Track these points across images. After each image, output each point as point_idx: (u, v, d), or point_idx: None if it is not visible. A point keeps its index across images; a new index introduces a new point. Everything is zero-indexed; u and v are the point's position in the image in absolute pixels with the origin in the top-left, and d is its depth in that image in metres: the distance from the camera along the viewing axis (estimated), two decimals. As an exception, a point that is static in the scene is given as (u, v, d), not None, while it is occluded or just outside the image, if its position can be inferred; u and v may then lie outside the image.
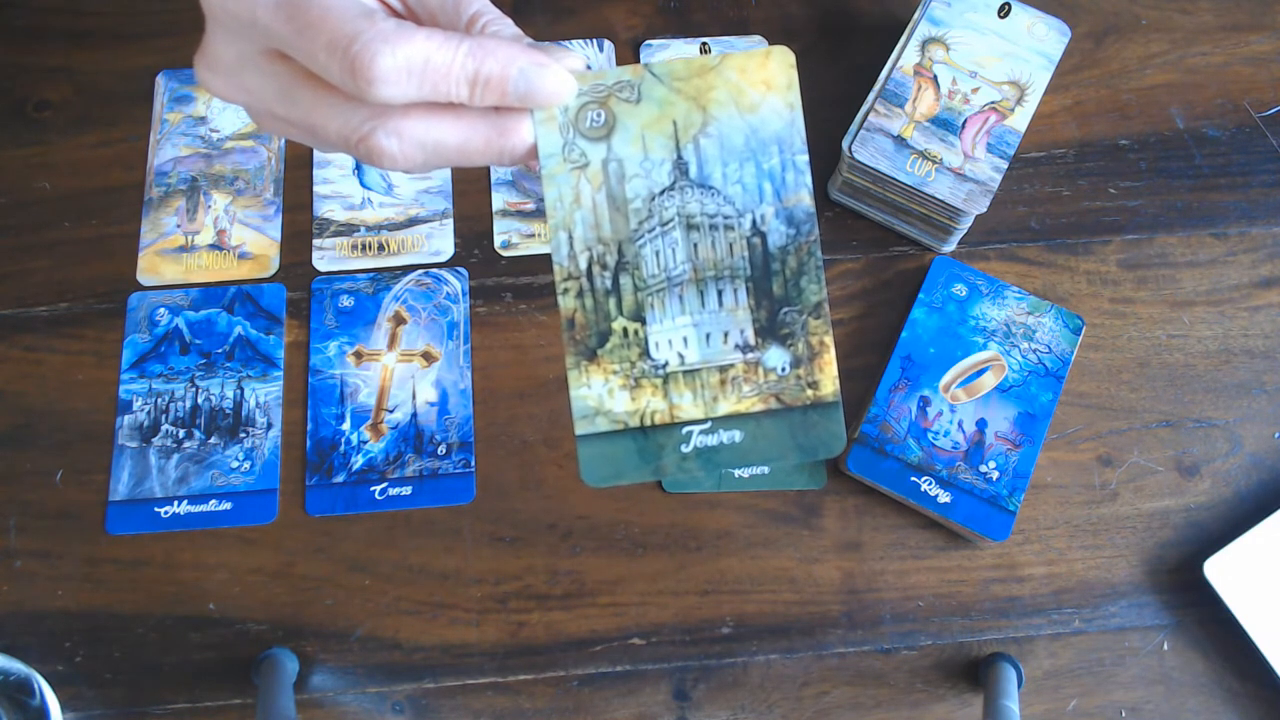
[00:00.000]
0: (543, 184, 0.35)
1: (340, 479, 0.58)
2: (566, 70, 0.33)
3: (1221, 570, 0.55)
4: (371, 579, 0.56)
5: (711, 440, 0.36)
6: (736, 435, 0.36)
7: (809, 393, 0.36)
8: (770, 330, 0.36)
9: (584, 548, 0.57)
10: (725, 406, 0.36)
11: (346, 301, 0.61)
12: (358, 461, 0.58)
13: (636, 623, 0.56)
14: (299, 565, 0.56)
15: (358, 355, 0.60)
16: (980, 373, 0.59)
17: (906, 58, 0.62)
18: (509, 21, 0.34)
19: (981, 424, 0.58)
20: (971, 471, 0.57)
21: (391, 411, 0.59)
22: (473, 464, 0.58)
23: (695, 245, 0.36)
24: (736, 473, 0.58)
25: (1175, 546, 0.58)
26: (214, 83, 0.34)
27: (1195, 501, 0.58)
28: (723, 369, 0.36)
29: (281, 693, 0.51)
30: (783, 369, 0.36)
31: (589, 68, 0.35)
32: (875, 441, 0.57)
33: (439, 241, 0.63)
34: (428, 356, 0.60)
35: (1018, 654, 0.56)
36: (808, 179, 0.36)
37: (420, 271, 0.62)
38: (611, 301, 0.36)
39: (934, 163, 0.59)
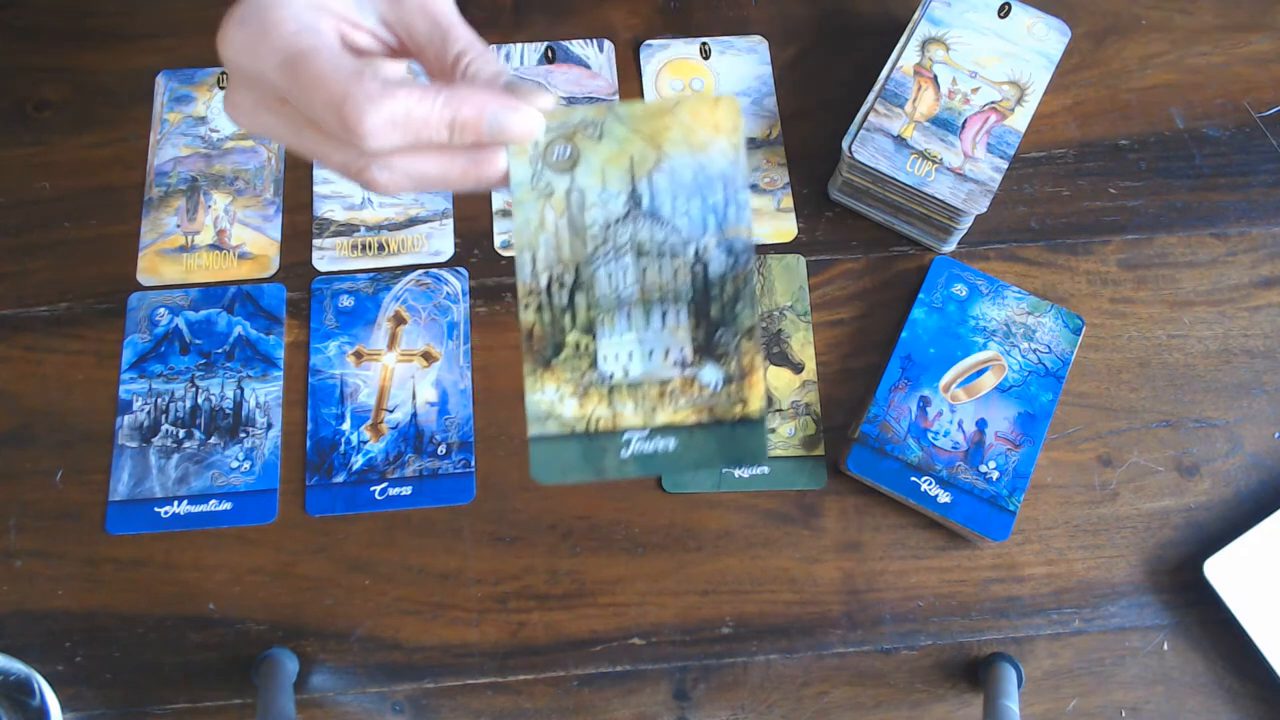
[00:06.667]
0: (512, 210, 0.39)
1: (340, 479, 0.58)
2: (536, 110, 0.37)
3: (1221, 570, 0.55)
4: (371, 579, 0.56)
5: (648, 447, 0.39)
6: (670, 443, 0.39)
7: (737, 409, 0.39)
8: (707, 349, 0.39)
9: (584, 548, 0.57)
10: (663, 417, 0.39)
11: (346, 301, 0.61)
12: (358, 461, 0.58)
13: (636, 623, 0.56)
14: (299, 565, 0.56)
15: (358, 355, 0.60)
16: (980, 373, 0.59)
17: (906, 58, 0.62)
18: (491, 57, 0.38)
19: (981, 424, 0.58)
20: (971, 471, 0.57)
21: (391, 411, 0.59)
22: (473, 464, 0.58)
23: (644, 270, 0.39)
24: (736, 472, 0.58)
25: (1175, 546, 0.58)
26: (238, 119, 0.39)
27: (1195, 501, 0.58)
28: (662, 382, 0.39)
29: (281, 693, 0.51)
30: (716, 385, 0.39)
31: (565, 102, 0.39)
32: (875, 441, 0.57)
33: (439, 241, 0.63)
34: (428, 356, 0.60)
35: (1018, 654, 0.56)
36: (748, 215, 0.39)
37: (420, 271, 0.62)
38: (567, 317, 0.39)
39: (934, 163, 0.59)
